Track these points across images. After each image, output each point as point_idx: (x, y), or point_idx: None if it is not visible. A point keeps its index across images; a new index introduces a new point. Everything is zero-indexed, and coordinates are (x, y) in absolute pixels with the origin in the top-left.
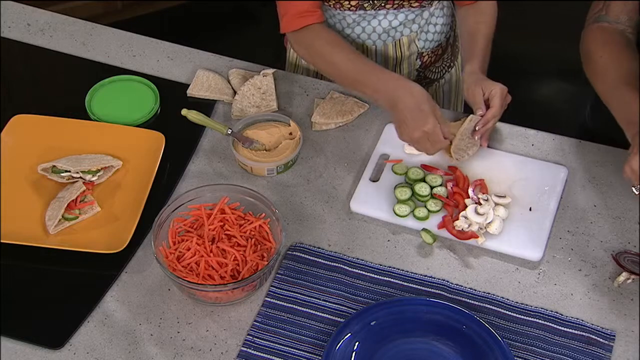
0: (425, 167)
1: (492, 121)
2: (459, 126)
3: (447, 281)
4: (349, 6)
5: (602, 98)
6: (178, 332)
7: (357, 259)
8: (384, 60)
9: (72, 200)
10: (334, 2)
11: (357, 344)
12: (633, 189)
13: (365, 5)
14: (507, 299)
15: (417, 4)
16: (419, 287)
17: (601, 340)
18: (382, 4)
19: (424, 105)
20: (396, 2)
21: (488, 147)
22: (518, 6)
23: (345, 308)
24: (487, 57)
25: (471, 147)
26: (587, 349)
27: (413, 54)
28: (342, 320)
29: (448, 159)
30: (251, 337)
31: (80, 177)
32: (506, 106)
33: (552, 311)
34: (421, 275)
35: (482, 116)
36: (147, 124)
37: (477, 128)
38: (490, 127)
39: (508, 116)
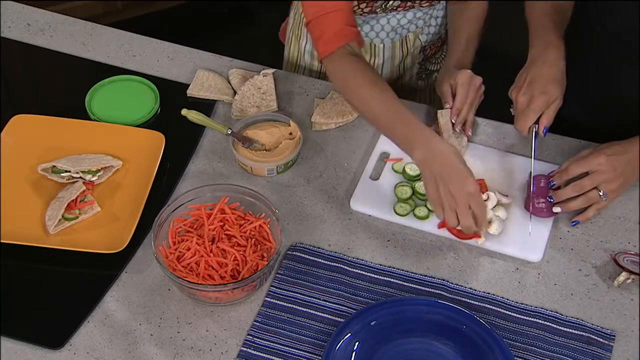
0: None
1: (465, 108)
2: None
3: (447, 281)
4: (361, 12)
5: (528, 23)
6: (178, 332)
7: (357, 259)
8: (391, 57)
9: (72, 200)
10: None
11: (357, 344)
12: (511, 110)
13: (378, 10)
14: (507, 299)
15: (427, 3)
16: (419, 287)
17: (601, 340)
18: (395, 7)
19: (461, 165)
20: (408, 4)
21: (488, 147)
22: (520, 6)
23: (345, 308)
24: (467, 55)
25: (460, 140)
26: (587, 349)
27: (417, 48)
28: (342, 320)
29: None
30: (251, 337)
31: (80, 177)
32: (482, 88)
33: (552, 311)
34: (421, 275)
35: (450, 108)
36: (147, 124)
37: (452, 120)
38: (465, 115)
39: (508, 116)
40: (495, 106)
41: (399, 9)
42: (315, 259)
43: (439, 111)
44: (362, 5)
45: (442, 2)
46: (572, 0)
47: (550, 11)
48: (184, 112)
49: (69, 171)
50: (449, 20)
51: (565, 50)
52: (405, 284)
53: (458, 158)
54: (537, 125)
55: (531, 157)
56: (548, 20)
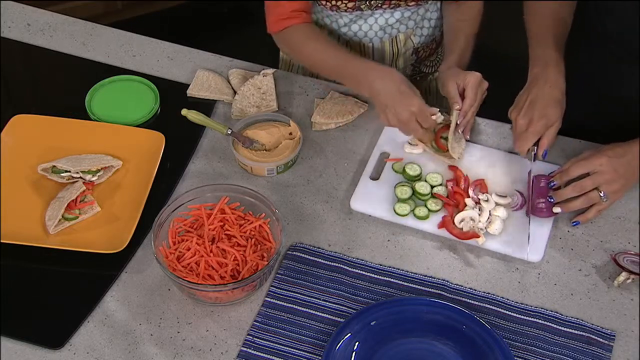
0: None
1: (470, 111)
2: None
3: (447, 281)
4: (345, 8)
5: (528, 36)
6: (178, 332)
7: (357, 259)
8: (381, 57)
9: (72, 200)
10: (330, 4)
11: (357, 344)
12: (510, 129)
13: (362, 6)
14: (507, 299)
15: (413, 2)
16: (419, 287)
17: (601, 340)
18: (379, 4)
19: (403, 87)
20: (393, 1)
21: (488, 146)
22: (519, 6)
23: (345, 308)
24: (466, 54)
25: (459, 141)
26: (587, 349)
27: (409, 49)
28: (342, 320)
29: (446, 160)
30: (251, 337)
31: (80, 177)
32: (485, 93)
33: (552, 311)
34: (421, 275)
35: (459, 110)
36: (147, 124)
37: (458, 122)
38: (469, 118)
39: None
40: (495, 106)
41: (384, 7)
42: (315, 259)
43: (454, 112)
44: (346, 0)
45: (436, 4)
46: (573, 6)
47: (550, 24)
48: (184, 112)
49: (69, 171)
50: (445, 20)
51: (565, 63)
52: (405, 284)
53: (402, 82)
54: (536, 148)
55: (529, 181)
56: (548, 35)
